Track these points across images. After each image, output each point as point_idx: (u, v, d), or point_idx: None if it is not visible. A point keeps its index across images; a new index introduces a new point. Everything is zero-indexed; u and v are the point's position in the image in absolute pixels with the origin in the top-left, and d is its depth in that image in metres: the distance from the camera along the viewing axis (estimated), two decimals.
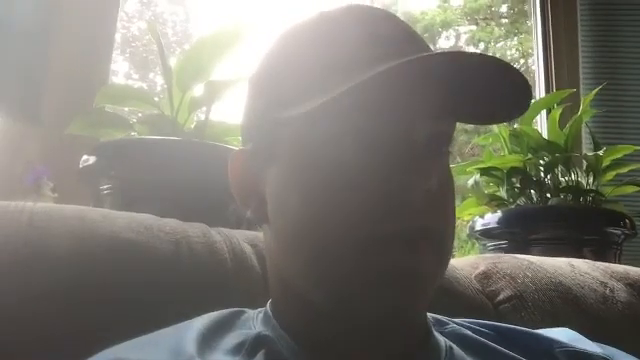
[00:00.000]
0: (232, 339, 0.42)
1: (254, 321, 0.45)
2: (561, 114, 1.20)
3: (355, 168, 0.39)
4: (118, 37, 1.18)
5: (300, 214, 0.40)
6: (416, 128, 0.40)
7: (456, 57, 0.40)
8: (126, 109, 1.05)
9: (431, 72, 0.38)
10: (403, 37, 0.43)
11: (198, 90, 0.86)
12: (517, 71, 0.40)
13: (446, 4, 4.84)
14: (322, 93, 0.38)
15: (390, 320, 0.40)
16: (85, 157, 0.80)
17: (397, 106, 0.40)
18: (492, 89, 0.40)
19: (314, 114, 0.38)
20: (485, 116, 0.44)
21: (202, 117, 0.89)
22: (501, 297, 0.72)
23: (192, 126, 0.89)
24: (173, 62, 0.90)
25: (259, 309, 0.47)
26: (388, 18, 0.44)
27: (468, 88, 0.40)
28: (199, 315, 0.46)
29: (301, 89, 0.41)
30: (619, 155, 1.19)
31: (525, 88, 0.41)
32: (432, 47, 0.44)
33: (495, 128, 1.24)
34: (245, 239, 0.61)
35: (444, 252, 0.41)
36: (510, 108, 0.42)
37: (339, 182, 0.39)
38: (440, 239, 0.40)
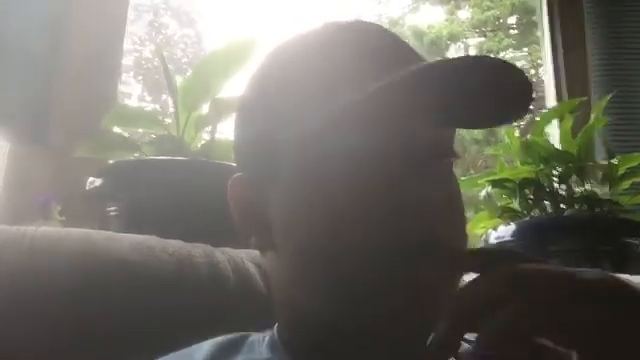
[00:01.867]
0: None
1: (260, 346, 0.44)
2: (573, 123, 1.18)
3: (360, 181, 0.38)
4: (131, 60, 1.19)
5: (310, 233, 0.39)
6: (416, 138, 0.40)
7: (447, 63, 0.39)
8: (140, 130, 1.05)
9: (428, 81, 0.38)
10: (398, 50, 0.43)
11: (205, 109, 0.86)
12: (517, 68, 0.39)
13: (453, 17, 4.85)
14: (322, 110, 0.37)
15: (410, 327, 0.38)
16: (91, 179, 0.80)
17: (396, 117, 0.39)
18: (492, 90, 0.39)
19: (316, 131, 0.37)
20: (489, 119, 0.43)
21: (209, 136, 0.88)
22: None
23: (199, 145, 0.89)
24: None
25: (264, 333, 0.46)
26: (382, 33, 0.44)
27: (466, 92, 0.39)
28: (203, 336, 0.45)
29: (300, 108, 0.40)
30: (634, 163, 1.16)
31: (526, 85, 0.40)
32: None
33: (506, 138, 1.23)
34: (250, 259, 0.61)
35: (456, 257, 0.39)
36: (513, 107, 0.41)
37: (346, 198, 0.38)
38: (449, 244, 0.39)
